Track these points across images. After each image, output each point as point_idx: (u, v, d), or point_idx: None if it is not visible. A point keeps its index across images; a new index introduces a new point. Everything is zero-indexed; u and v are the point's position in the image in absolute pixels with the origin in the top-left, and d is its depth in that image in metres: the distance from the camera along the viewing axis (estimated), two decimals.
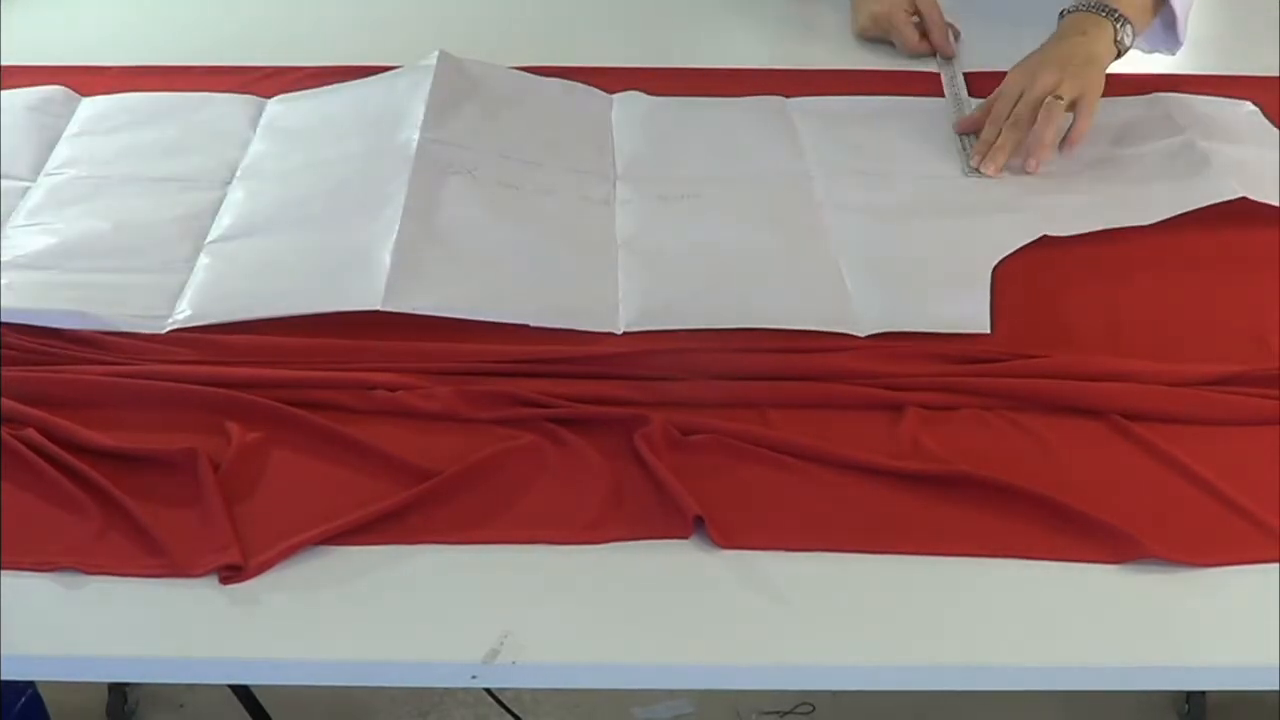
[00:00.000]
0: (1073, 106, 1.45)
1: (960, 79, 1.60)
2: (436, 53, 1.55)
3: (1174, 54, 1.63)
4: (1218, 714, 1.94)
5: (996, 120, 1.46)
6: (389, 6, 1.67)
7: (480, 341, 1.20)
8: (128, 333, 1.21)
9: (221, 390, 1.13)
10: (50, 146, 1.47)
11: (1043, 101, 1.44)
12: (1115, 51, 1.51)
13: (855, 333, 1.22)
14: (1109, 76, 1.60)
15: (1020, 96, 1.46)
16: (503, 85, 1.55)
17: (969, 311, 1.24)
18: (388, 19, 1.68)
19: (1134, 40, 1.52)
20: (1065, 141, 1.45)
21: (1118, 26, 1.50)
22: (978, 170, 1.44)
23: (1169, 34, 1.61)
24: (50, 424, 1.09)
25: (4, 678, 0.94)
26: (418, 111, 1.46)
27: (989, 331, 1.22)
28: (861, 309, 1.24)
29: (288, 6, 1.75)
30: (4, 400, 1.11)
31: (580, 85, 1.56)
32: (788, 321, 1.23)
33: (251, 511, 1.04)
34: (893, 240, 1.34)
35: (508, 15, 1.67)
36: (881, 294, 1.26)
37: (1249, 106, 1.55)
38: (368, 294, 1.22)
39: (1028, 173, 1.43)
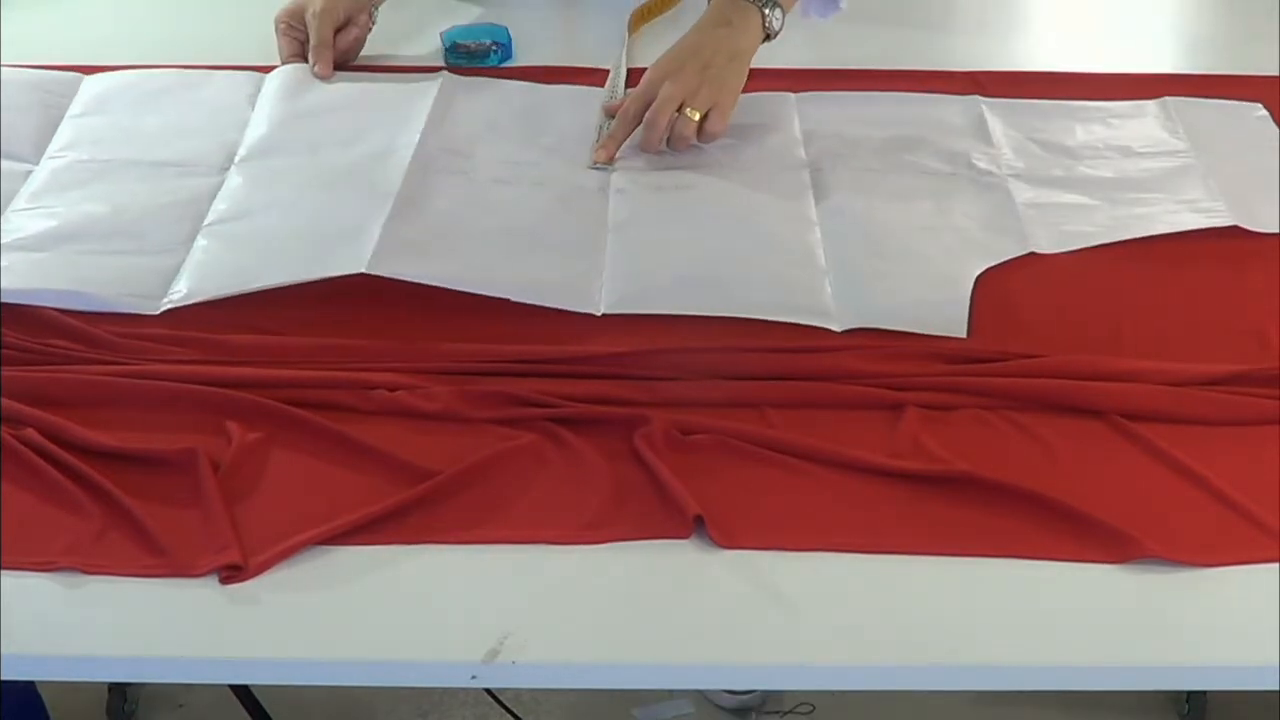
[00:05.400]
0: (706, 116, 1.43)
1: (624, 70, 1.57)
2: (442, 73, 1.57)
3: (826, 18, 1.61)
4: (1218, 714, 1.94)
5: (625, 118, 1.45)
6: (390, 7, 1.67)
7: (477, 339, 1.20)
8: (125, 314, 1.23)
9: (221, 390, 1.13)
10: (53, 127, 1.48)
11: (678, 105, 1.42)
12: (763, 37, 1.49)
13: (832, 327, 1.22)
14: (1119, 77, 1.60)
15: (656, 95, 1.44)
16: (504, 97, 1.56)
17: (947, 315, 1.24)
18: (389, 20, 1.68)
19: (783, 22, 1.49)
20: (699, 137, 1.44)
21: (766, 12, 1.48)
22: (600, 165, 1.43)
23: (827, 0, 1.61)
24: (50, 424, 1.09)
25: (4, 678, 0.94)
26: (419, 118, 1.48)
27: (965, 336, 1.22)
28: (840, 305, 1.25)
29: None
30: (4, 400, 1.11)
31: (584, 88, 1.56)
32: (764, 312, 1.23)
33: (251, 511, 1.04)
34: (880, 239, 1.34)
35: (511, 17, 1.67)
36: (862, 291, 1.27)
37: (1259, 111, 1.55)
38: (354, 260, 1.25)
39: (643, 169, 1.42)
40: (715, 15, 1.49)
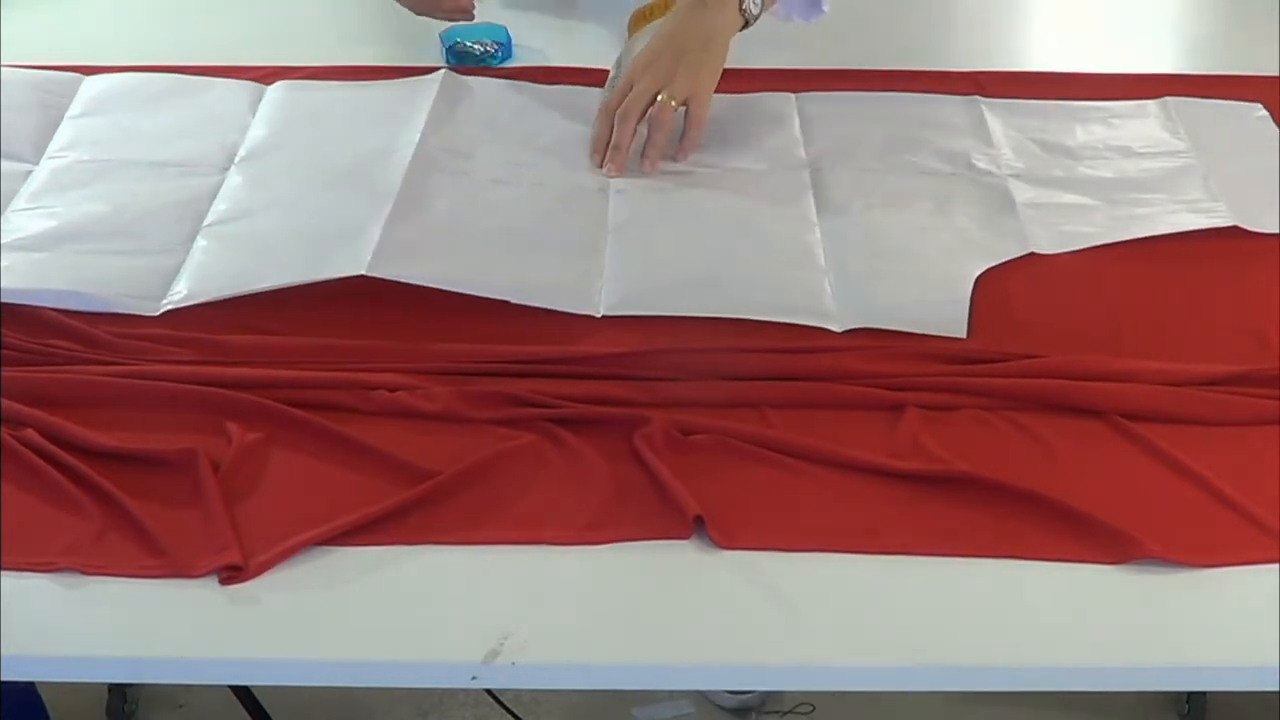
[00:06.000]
0: (686, 102, 1.42)
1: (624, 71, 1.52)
2: (442, 72, 1.57)
3: (810, 22, 1.59)
4: (1218, 714, 1.94)
5: (609, 114, 1.44)
6: (390, 8, 1.68)
7: (477, 339, 1.20)
8: (124, 314, 1.22)
9: (221, 390, 1.13)
10: (53, 127, 1.49)
11: (653, 96, 1.41)
12: (741, 22, 1.47)
13: (832, 328, 1.22)
14: (1119, 77, 1.60)
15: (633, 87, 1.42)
16: (505, 97, 1.56)
17: (947, 315, 1.24)
18: (389, 21, 1.68)
19: (763, 9, 1.48)
20: (677, 150, 1.43)
21: None
22: (600, 167, 1.42)
23: (811, 3, 1.58)
24: (50, 424, 1.09)
25: (4, 678, 0.94)
26: (419, 118, 1.48)
27: (965, 336, 1.22)
28: (840, 305, 1.25)
29: (288, 7, 1.75)
30: (4, 400, 1.11)
31: (582, 87, 1.56)
32: (764, 313, 1.23)
33: (251, 511, 1.04)
34: (880, 239, 1.34)
35: (511, 17, 1.67)
36: (862, 291, 1.27)
37: (1259, 111, 1.55)
38: (354, 261, 1.25)
39: (644, 172, 1.42)
40: None
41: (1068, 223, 1.37)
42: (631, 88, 1.43)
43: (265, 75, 1.57)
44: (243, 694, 1.77)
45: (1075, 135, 1.50)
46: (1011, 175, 1.44)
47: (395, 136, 1.46)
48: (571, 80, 1.58)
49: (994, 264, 1.31)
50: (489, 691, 1.85)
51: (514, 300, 1.24)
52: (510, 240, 1.33)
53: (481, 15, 1.65)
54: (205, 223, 1.34)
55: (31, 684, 1.67)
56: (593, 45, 1.65)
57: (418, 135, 1.45)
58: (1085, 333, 1.23)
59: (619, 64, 1.52)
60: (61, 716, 1.73)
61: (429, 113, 1.49)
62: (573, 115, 1.52)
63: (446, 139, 1.46)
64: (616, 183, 1.41)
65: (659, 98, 1.41)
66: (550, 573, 1.01)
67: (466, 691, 1.98)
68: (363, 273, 1.24)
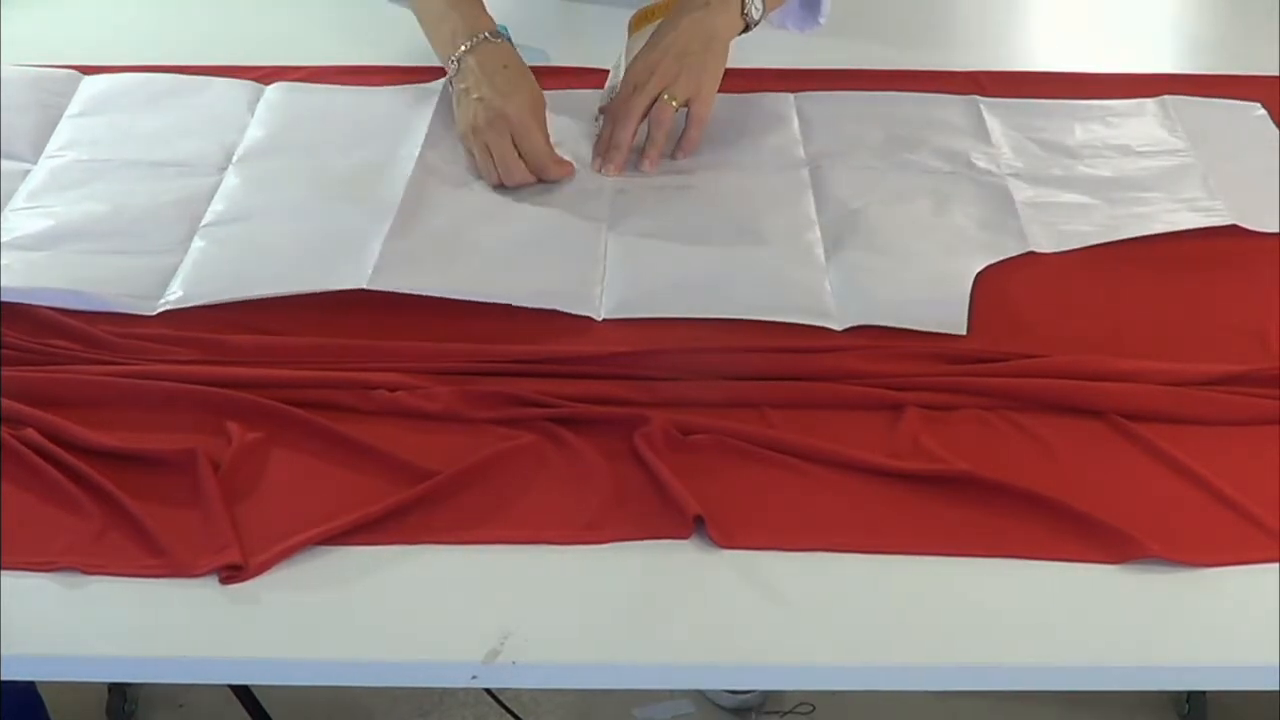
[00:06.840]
0: (688, 103, 1.43)
1: (624, 71, 1.49)
2: (442, 82, 1.56)
3: (804, 33, 1.59)
4: (1218, 714, 1.95)
5: (610, 114, 1.45)
6: (390, 7, 1.67)
7: (477, 339, 1.20)
8: (123, 313, 1.22)
9: (221, 390, 1.13)
10: (52, 126, 1.49)
11: (655, 97, 1.42)
12: (742, 25, 1.47)
13: (833, 327, 1.22)
14: (1119, 77, 1.60)
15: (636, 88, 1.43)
16: None
17: (947, 312, 1.24)
18: (389, 20, 1.68)
19: (764, 14, 1.48)
20: (678, 149, 1.44)
21: None
22: (600, 171, 1.43)
23: (807, 13, 1.59)
24: (50, 424, 1.09)
25: (4, 678, 0.94)
26: (418, 133, 1.47)
27: (964, 333, 1.22)
28: (840, 304, 1.25)
29: (288, 7, 1.75)
30: (4, 400, 1.11)
31: (582, 90, 1.56)
32: (764, 313, 1.23)
33: (251, 511, 1.04)
34: (880, 237, 1.34)
35: (511, 17, 1.67)
36: (862, 290, 1.27)
37: (1258, 110, 1.55)
38: (355, 274, 1.25)
39: (642, 171, 1.42)
40: None
41: (1067, 222, 1.37)
42: (634, 88, 1.43)
43: (264, 75, 1.57)
44: (243, 694, 1.77)
45: (1074, 134, 1.50)
46: (1011, 174, 1.44)
47: (395, 149, 1.45)
48: (571, 80, 1.58)
49: (993, 261, 1.31)
50: (489, 691, 1.85)
51: (516, 304, 1.24)
52: (511, 244, 1.33)
53: None
54: (203, 223, 1.34)
55: (31, 684, 1.67)
56: (593, 45, 1.65)
57: (417, 150, 1.44)
58: (1085, 332, 1.23)
59: (619, 64, 1.52)
60: (61, 716, 1.73)
61: (429, 126, 1.48)
62: (573, 116, 1.51)
63: (446, 153, 1.45)
64: (616, 183, 1.41)
65: (660, 98, 1.42)
66: (550, 573, 1.01)
67: (466, 691, 1.98)
68: (364, 286, 1.24)
